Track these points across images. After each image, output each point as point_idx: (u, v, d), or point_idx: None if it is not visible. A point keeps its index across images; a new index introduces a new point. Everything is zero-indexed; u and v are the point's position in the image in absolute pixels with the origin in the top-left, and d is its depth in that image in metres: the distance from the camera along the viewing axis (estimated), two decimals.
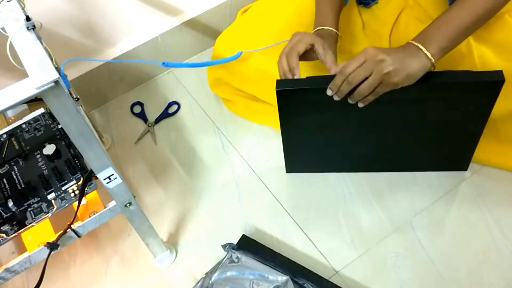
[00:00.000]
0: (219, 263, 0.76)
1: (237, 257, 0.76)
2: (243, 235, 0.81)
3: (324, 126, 0.80)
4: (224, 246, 0.78)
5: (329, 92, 0.69)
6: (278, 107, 0.75)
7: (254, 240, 0.80)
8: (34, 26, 0.51)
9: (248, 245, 0.79)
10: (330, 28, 0.79)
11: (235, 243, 0.82)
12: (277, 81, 0.74)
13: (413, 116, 0.76)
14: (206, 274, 0.76)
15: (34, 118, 0.80)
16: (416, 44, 0.67)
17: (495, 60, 0.74)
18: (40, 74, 0.46)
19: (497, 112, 0.75)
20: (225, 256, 0.76)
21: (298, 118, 0.78)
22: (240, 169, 0.96)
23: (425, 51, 0.66)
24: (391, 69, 0.64)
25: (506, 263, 0.77)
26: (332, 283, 0.73)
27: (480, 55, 0.75)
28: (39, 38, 0.51)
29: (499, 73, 0.67)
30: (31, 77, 0.46)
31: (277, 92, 0.73)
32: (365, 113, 0.71)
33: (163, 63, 0.76)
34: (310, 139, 0.84)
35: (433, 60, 0.66)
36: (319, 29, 0.79)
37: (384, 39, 0.86)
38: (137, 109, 1.10)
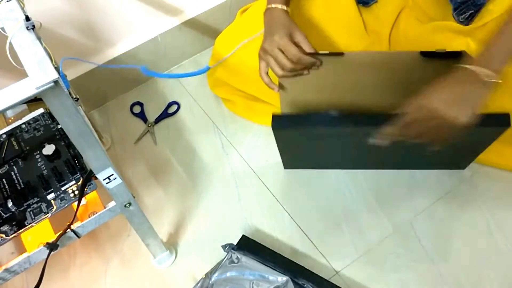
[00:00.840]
0: (219, 263, 0.76)
1: (237, 258, 0.75)
2: (243, 235, 0.81)
3: (323, 145, 0.79)
4: (224, 247, 0.77)
5: (372, 141, 0.65)
6: (275, 137, 0.75)
7: (254, 241, 0.80)
8: (33, 26, 0.51)
9: (248, 246, 0.78)
10: (284, 7, 0.75)
11: (235, 243, 0.82)
12: (273, 117, 0.73)
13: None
14: (206, 274, 0.75)
15: (33, 118, 0.80)
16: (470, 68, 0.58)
17: None
18: (39, 74, 0.46)
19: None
20: (225, 257, 0.76)
21: (294, 144, 0.79)
22: (240, 169, 0.95)
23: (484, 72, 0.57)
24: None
25: (507, 263, 0.77)
26: (332, 283, 0.73)
27: None
28: (39, 38, 0.51)
29: (506, 117, 0.64)
30: (31, 77, 0.46)
31: (273, 129, 0.73)
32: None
33: (143, 69, 0.75)
34: (307, 149, 0.84)
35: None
36: (272, 7, 0.75)
37: (383, 38, 0.86)
38: (137, 109, 1.10)
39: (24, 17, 0.51)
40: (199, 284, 0.75)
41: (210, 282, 0.74)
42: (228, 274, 0.74)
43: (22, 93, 0.45)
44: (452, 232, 0.82)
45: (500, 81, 0.58)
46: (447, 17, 0.79)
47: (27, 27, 0.50)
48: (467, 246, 0.80)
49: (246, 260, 0.75)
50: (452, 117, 0.58)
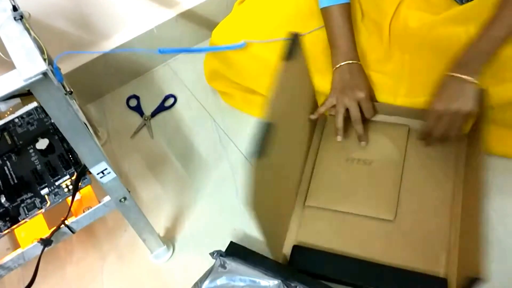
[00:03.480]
0: (209, 270, 0.74)
1: (227, 264, 0.74)
2: (231, 242, 0.79)
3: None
4: (212, 254, 0.76)
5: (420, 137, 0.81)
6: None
7: (243, 246, 0.78)
8: (21, 16, 0.50)
9: (236, 252, 0.77)
10: (358, 62, 0.83)
11: (234, 237, 0.81)
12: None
13: None
14: (196, 283, 0.74)
15: (27, 112, 0.79)
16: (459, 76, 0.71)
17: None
18: (28, 65, 0.45)
19: (496, 100, 0.74)
20: (214, 264, 0.75)
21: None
22: (238, 163, 0.94)
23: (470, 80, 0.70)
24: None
25: (508, 255, 0.76)
26: (324, 284, 0.72)
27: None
28: (27, 29, 0.50)
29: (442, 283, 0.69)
30: (19, 69, 0.45)
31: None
32: None
33: (159, 51, 0.73)
34: None
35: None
36: (348, 63, 0.82)
37: (384, 28, 0.84)
38: (133, 103, 1.08)
39: (11, 7, 0.50)
40: None
41: None
42: (218, 281, 0.72)
43: (9, 86, 0.44)
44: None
45: (477, 82, 0.71)
46: (450, 3, 0.78)
47: (14, 18, 0.49)
48: None
49: (236, 266, 0.73)
50: (456, 109, 0.71)
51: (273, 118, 0.63)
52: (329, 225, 0.78)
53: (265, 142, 0.61)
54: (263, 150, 0.60)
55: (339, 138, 0.84)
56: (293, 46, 0.72)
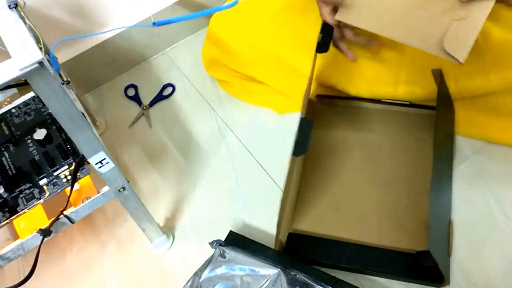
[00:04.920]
0: (208, 260, 0.74)
1: (226, 253, 0.74)
2: (230, 231, 0.79)
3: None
4: (211, 243, 0.76)
5: None
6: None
7: (242, 236, 0.78)
8: (16, 4, 0.49)
9: (236, 241, 0.77)
10: None
11: (233, 226, 0.81)
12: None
13: None
14: (196, 273, 0.74)
15: (24, 102, 0.78)
16: None
17: (500, 34, 0.72)
18: (23, 54, 0.44)
19: (497, 86, 0.73)
20: (214, 253, 0.75)
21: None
22: (237, 152, 0.94)
23: None
24: None
25: (509, 243, 0.76)
26: (323, 272, 0.72)
27: (483, 29, 0.73)
28: (22, 18, 0.49)
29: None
30: (14, 58, 0.44)
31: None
32: None
33: (153, 23, 0.71)
34: None
35: None
36: None
37: None
38: (131, 92, 1.08)
39: None
40: (189, 283, 0.74)
41: (200, 280, 0.72)
42: (218, 271, 0.72)
43: (5, 75, 0.43)
44: (453, 213, 0.81)
45: None
46: None
47: (9, 6, 0.48)
48: (468, 227, 0.79)
49: (236, 255, 0.73)
50: None
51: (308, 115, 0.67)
52: (325, 212, 0.79)
53: (308, 139, 0.65)
54: (307, 146, 0.64)
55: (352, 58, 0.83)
56: (327, 37, 0.75)
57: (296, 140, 0.67)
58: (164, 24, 0.57)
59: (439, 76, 0.78)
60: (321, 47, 0.77)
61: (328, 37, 0.77)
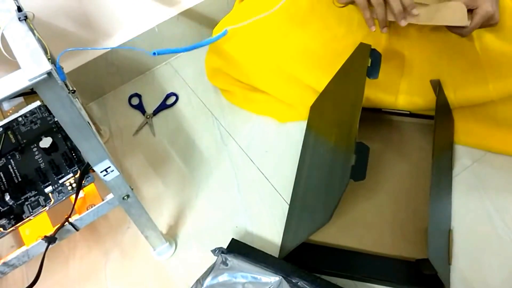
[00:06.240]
0: (211, 267, 0.75)
1: (228, 260, 0.74)
2: (233, 238, 0.80)
3: None
4: (214, 251, 0.76)
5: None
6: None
7: (244, 243, 0.79)
8: (26, 16, 0.50)
9: (238, 248, 0.77)
10: None
11: (235, 234, 0.82)
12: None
13: None
14: (198, 280, 0.74)
15: (30, 111, 0.79)
16: None
17: (498, 44, 0.73)
18: (32, 65, 0.45)
19: (495, 95, 0.74)
20: (216, 260, 0.75)
21: None
22: (240, 160, 0.95)
23: None
24: None
25: (508, 251, 0.77)
26: (324, 280, 0.72)
27: (481, 40, 0.74)
28: (32, 29, 0.50)
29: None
30: (23, 69, 0.45)
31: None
32: None
33: (154, 53, 0.72)
34: None
35: None
36: None
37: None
38: (135, 101, 1.09)
39: (16, 7, 0.50)
40: None
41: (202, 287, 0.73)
42: (220, 278, 0.73)
43: (14, 85, 0.44)
44: (453, 222, 0.81)
45: None
46: None
47: (19, 18, 0.50)
48: (468, 235, 0.79)
49: (238, 263, 0.74)
50: None
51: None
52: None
53: (366, 164, 0.61)
54: (365, 172, 0.61)
55: (384, 29, 0.77)
56: (376, 62, 0.73)
57: (354, 165, 0.61)
58: (164, 53, 0.60)
59: (437, 86, 0.79)
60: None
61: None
